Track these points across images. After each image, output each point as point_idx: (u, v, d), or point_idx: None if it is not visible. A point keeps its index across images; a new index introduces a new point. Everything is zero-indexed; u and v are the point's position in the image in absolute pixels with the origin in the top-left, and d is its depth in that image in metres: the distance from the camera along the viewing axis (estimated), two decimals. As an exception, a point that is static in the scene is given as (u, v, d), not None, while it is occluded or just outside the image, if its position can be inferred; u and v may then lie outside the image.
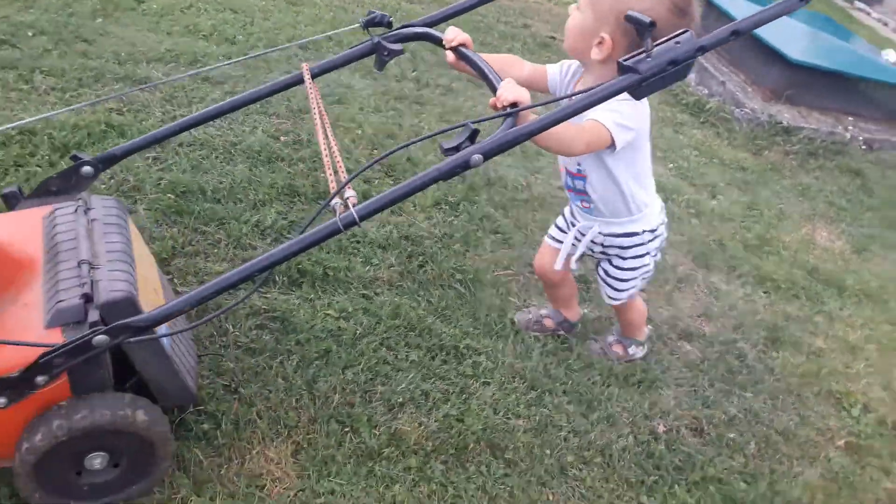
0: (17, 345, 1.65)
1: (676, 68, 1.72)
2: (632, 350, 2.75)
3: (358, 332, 2.45)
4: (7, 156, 2.71)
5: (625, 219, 2.36)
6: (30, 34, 3.63)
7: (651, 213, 2.39)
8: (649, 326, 2.82)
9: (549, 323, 2.73)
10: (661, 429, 2.46)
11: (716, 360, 2.85)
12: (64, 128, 2.94)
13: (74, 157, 2.13)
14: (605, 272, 2.51)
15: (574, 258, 2.53)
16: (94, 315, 1.69)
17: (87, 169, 2.12)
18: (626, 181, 2.26)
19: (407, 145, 1.94)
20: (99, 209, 1.97)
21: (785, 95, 5.29)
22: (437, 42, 2.17)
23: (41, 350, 1.63)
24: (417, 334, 2.52)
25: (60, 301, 1.71)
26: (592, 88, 1.76)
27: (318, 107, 1.98)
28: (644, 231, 2.38)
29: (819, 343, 3.15)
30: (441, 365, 2.44)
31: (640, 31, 1.72)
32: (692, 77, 5.71)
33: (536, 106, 1.80)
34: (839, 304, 3.51)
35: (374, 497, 1.97)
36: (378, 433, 2.13)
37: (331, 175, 1.75)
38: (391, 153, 1.86)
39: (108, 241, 1.88)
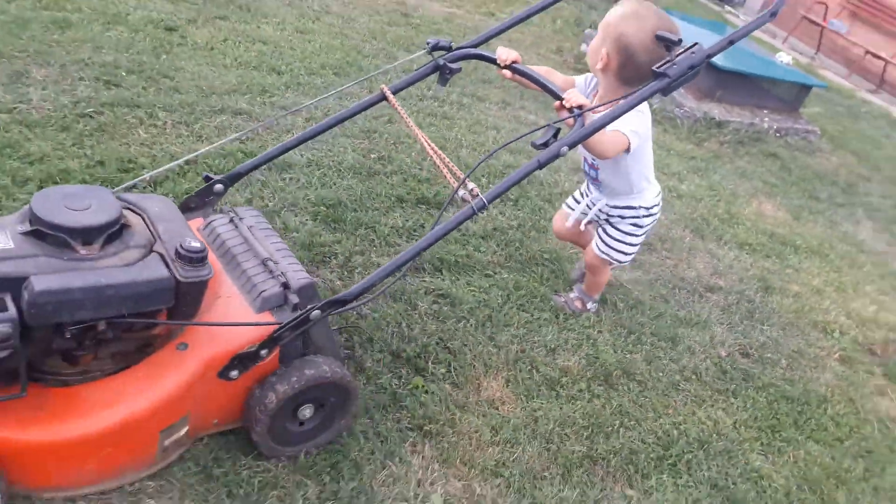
0: (256, 325, 2.01)
1: (693, 71, 2.24)
2: (589, 305, 3.35)
3: (499, 301, 3.25)
4: (189, 184, 3.33)
5: (626, 197, 3.01)
6: (123, 74, 4.16)
7: (649, 195, 3.06)
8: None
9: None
10: (723, 353, 3.39)
11: (736, 304, 3.83)
12: (213, 157, 3.57)
13: (207, 178, 2.41)
14: (604, 231, 3.13)
15: (584, 222, 3.22)
16: (294, 298, 2.07)
17: (218, 186, 2.44)
18: (632, 173, 2.96)
19: (508, 144, 2.66)
20: (249, 218, 2.36)
21: (717, 96, 6.39)
22: (492, 61, 2.54)
23: (271, 328, 1.97)
24: (539, 300, 3.34)
25: (264, 290, 2.08)
26: (633, 93, 2.28)
27: (410, 121, 2.38)
28: (640, 206, 3.02)
29: (795, 288, 4.20)
30: (566, 320, 3.27)
31: (668, 46, 2.34)
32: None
33: (598, 107, 2.39)
34: (797, 259, 4.58)
35: (569, 409, 2.79)
36: (551, 368, 2.95)
37: (447, 173, 2.19)
38: (499, 150, 2.51)
39: (272, 242, 2.29)
